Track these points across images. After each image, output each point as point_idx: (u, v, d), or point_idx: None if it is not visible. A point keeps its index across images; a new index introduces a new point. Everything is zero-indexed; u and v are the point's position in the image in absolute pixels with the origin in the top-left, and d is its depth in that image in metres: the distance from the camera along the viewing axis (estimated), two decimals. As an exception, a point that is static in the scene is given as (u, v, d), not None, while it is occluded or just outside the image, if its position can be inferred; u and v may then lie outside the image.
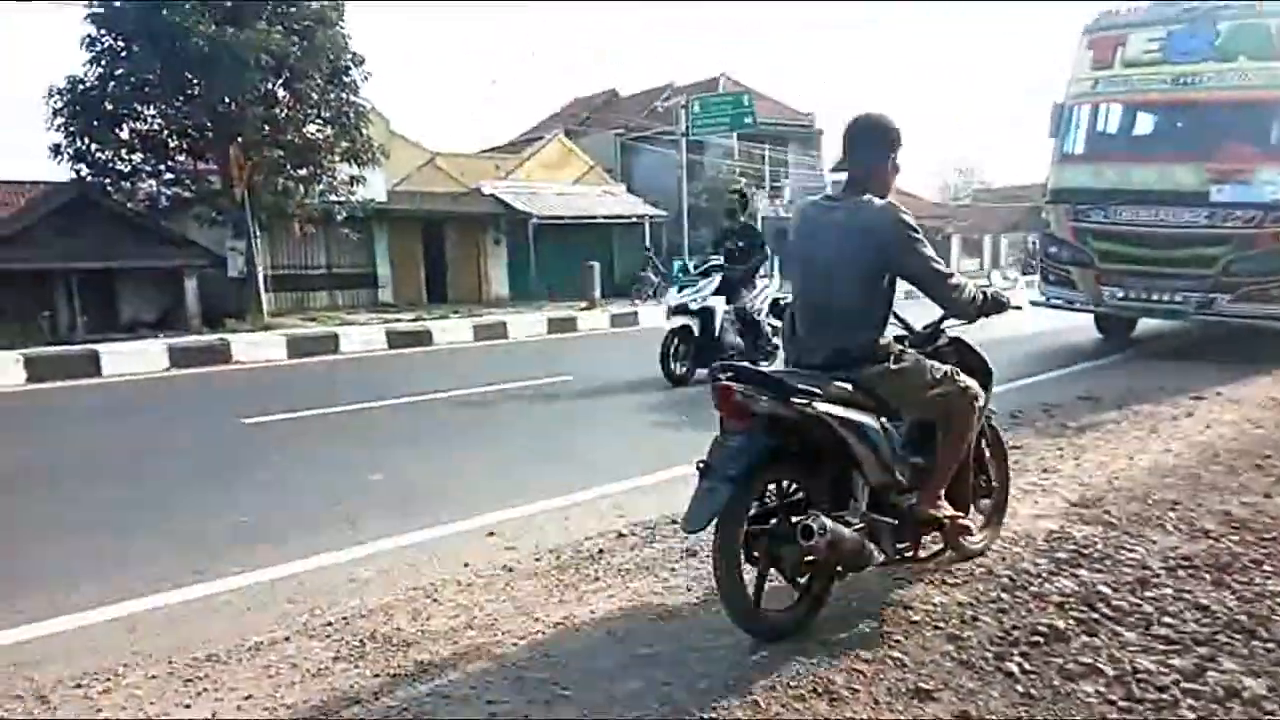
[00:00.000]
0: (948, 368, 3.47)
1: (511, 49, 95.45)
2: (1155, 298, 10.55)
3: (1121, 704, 2.74)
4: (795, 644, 3.14)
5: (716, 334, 9.39)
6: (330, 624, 3.48)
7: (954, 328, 3.71)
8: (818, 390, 3.11)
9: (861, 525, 3.22)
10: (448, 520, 4.84)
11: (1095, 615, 3.36)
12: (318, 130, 19.58)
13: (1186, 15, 10.44)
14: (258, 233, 18.90)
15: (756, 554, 3.16)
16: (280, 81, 18.54)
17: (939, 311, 3.57)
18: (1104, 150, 11.42)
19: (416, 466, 6.34)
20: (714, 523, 2.98)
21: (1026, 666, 2.98)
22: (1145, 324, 12.60)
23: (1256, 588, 3.61)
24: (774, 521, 3.19)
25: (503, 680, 2.96)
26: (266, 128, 18.60)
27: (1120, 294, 10.78)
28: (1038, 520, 4.55)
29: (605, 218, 28.07)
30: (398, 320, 17.65)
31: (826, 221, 3.37)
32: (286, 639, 3.36)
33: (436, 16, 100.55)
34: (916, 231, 3.26)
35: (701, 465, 3.06)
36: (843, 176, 3.47)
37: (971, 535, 3.82)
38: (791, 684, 2.88)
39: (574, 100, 40.40)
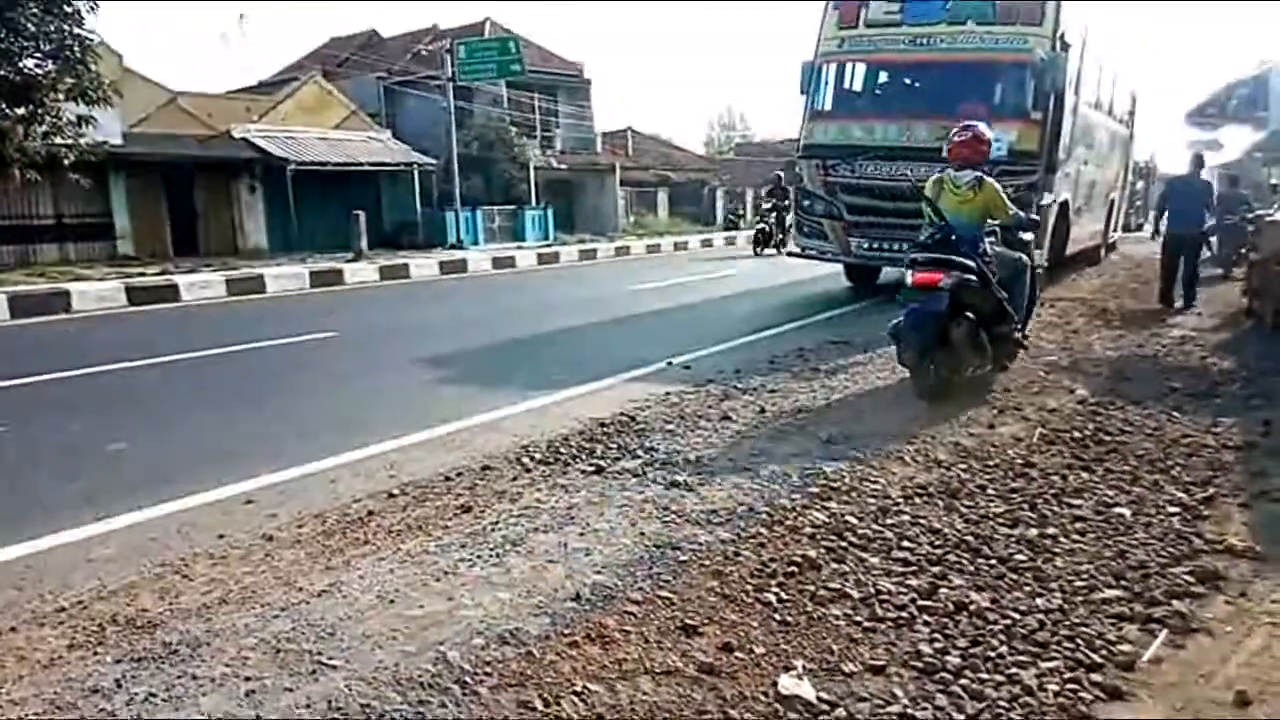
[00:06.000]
0: None
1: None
2: (896, 248, 11.37)
3: (866, 624, 2.98)
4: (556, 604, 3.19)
5: None
6: (64, 609, 3.18)
7: None
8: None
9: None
10: (201, 490, 4.51)
11: (843, 543, 3.63)
12: (36, 65, 17.46)
13: None
14: (-31, 179, 16.75)
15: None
16: (-13, 10, 16.30)
17: None
18: (851, 107, 12.10)
19: (164, 433, 5.88)
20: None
21: (783, 596, 3.18)
22: (888, 273, 13.61)
23: (980, 510, 4.02)
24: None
25: (261, 655, 2.81)
26: (-27, 62, 16.39)
27: (866, 245, 11.55)
28: (793, 458, 4.83)
29: (371, 165, 26.84)
30: (141, 275, 16.20)
31: None
32: (13, 629, 3.04)
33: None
34: None
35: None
36: None
37: None
38: (565, 631, 2.92)
39: (330, 40, 38.06)
